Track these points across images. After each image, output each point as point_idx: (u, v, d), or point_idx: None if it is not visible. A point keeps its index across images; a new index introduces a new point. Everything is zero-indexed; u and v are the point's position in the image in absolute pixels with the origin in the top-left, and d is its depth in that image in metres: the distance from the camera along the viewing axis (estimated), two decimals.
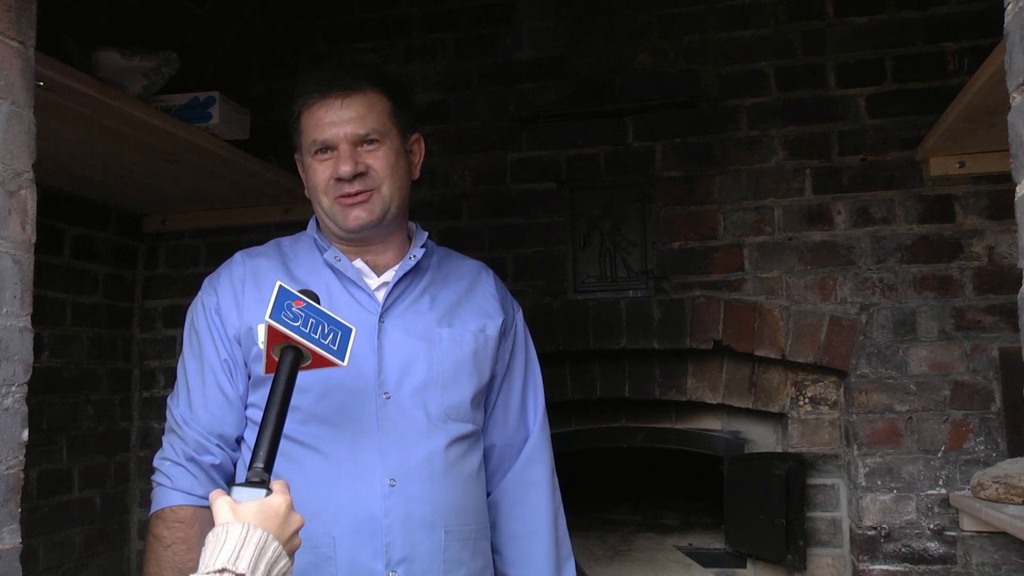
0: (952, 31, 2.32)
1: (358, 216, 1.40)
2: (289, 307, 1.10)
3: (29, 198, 1.10)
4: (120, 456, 2.70)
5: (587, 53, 2.60)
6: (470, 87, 2.66)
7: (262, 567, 0.89)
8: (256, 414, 1.39)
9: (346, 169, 1.37)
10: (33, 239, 1.10)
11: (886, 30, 2.37)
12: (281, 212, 2.66)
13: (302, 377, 1.33)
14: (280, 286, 1.12)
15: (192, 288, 2.75)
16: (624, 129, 2.54)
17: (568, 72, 2.60)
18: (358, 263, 1.46)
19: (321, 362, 1.12)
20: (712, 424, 2.60)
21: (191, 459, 1.38)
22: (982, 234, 2.24)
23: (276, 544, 0.93)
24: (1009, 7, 0.89)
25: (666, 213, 2.47)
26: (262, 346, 1.14)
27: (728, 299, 2.39)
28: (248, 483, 0.99)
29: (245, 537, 0.90)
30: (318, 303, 1.14)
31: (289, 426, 1.33)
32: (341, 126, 1.39)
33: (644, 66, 2.55)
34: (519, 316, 1.61)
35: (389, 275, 1.46)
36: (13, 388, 1.05)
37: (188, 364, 1.45)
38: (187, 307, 3.00)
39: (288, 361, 1.09)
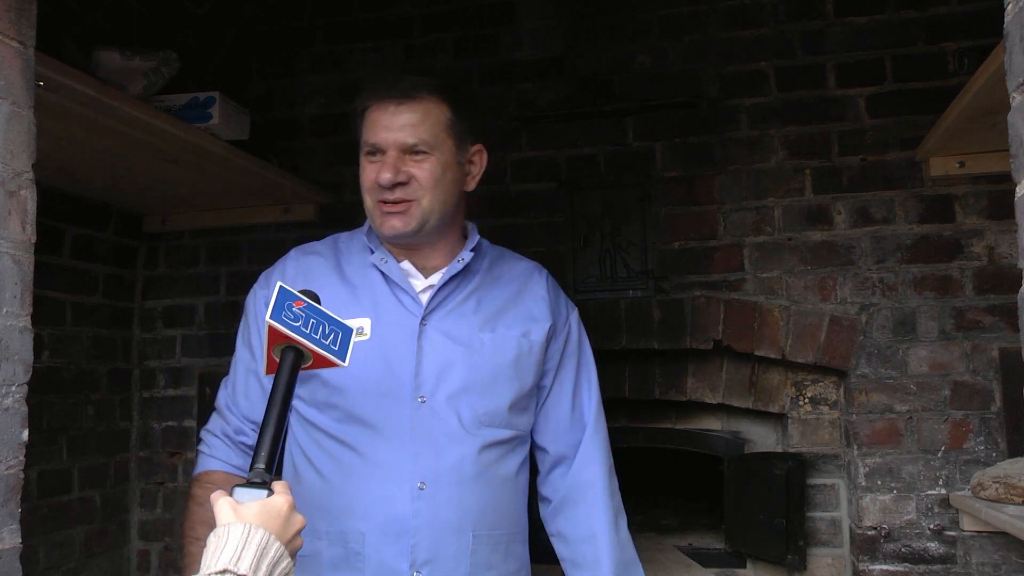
0: (952, 31, 2.32)
1: (393, 225, 1.41)
2: (290, 307, 1.10)
3: (29, 198, 1.10)
4: (120, 456, 2.70)
5: (587, 53, 2.60)
6: (470, 87, 2.66)
7: (264, 568, 0.89)
8: (301, 406, 1.44)
9: (386, 177, 1.38)
10: (33, 239, 1.10)
11: (886, 30, 2.37)
12: (281, 212, 2.66)
13: (340, 378, 1.36)
14: (280, 286, 1.12)
15: (192, 288, 2.79)
16: (624, 129, 2.54)
17: (568, 72, 2.60)
18: (405, 264, 1.47)
19: (322, 362, 1.12)
20: (712, 424, 2.60)
21: (228, 436, 1.47)
22: (982, 234, 2.24)
23: (278, 545, 0.92)
24: (1009, 7, 0.89)
25: (666, 213, 2.47)
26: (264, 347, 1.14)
27: (728, 299, 2.39)
28: (250, 484, 0.99)
29: (247, 538, 0.90)
30: (319, 303, 1.14)
31: (328, 424, 1.39)
32: (392, 132, 1.39)
33: (644, 66, 2.55)
34: (573, 317, 1.59)
35: (436, 278, 1.46)
36: (13, 388, 1.05)
37: (237, 352, 1.53)
38: (187, 307, 3.01)
39: (289, 361, 1.09)
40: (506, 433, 1.44)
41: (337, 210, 2.68)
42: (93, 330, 2.58)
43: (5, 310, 1.04)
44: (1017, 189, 0.89)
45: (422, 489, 1.35)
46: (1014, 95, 0.88)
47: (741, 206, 2.42)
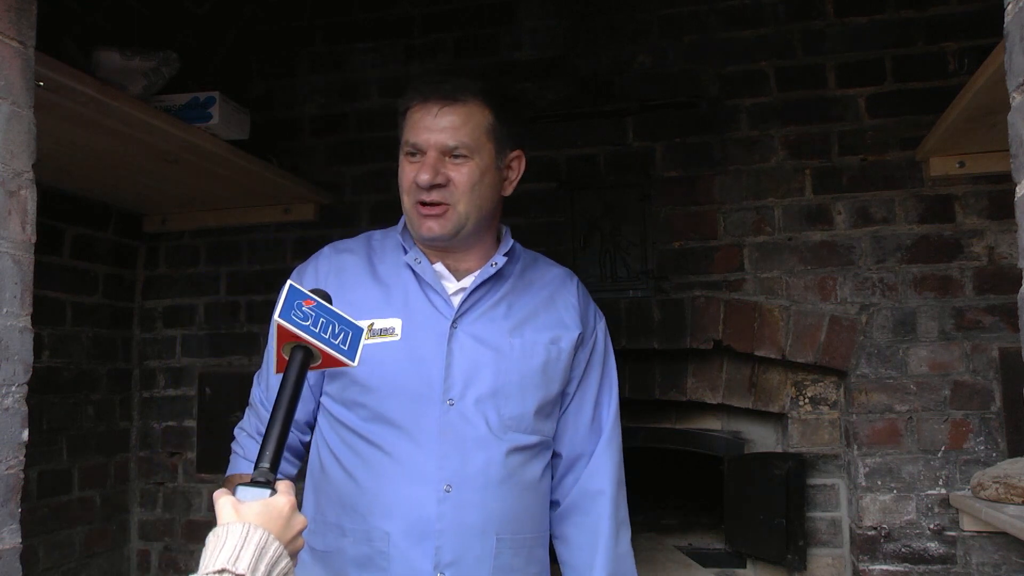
0: (952, 31, 2.32)
1: (430, 227, 1.41)
2: (299, 306, 1.09)
3: (29, 198, 1.10)
4: (120, 456, 2.70)
5: (587, 53, 2.60)
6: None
7: (262, 568, 0.89)
8: (330, 403, 1.45)
9: (425, 178, 1.38)
10: (33, 239, 1.10)
11: (886, 30, 2.37)
12: (281, 212, 2.66)
13: (369, 377, 1.37)
14: (291, 285, 1.11)
15: (192, 288, 2.79)
16: (624, 129, 2.54)
17: (568, 72, 2.60)
18: (439, 266, 1.47)
19: (331, 362, 1.12)
20: (712, 424, 2.60)
21: (261, 433, 1.45)
22: (982, 234, 2.24)
23: (277, 544, 0.92)
24: (1009, 7, 0.89)
25: (666, 213, 2.47)
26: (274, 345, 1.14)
27: (728, 299, 2.39)
28: (253, 483, 0.99)
29: (246, 537, 0.90)
30: (330, 303, 1.14)
31: (355, 422, 1.41)
32: (433, 133, 1.39)
33: (644, 66, 2.55)
34: (600, 326, 1.59)
35: (468, 281, 1.46)
36: (13, 388, 1.05)
37: (270, 347, 1.51)
38: (187, 307, 3.01)
39: (297, 361, 1.09)
40: (532, 439, 1.44)
41: (337, 210, 2.68)
42: (93, 330, 2.59)
43: (5, 310, 1.04)
44: (1017, 189, 0.89)
45: (448, 492, 1.35)
46: (1014, 95, 0.88)
47: (741, 206, 2.42)
